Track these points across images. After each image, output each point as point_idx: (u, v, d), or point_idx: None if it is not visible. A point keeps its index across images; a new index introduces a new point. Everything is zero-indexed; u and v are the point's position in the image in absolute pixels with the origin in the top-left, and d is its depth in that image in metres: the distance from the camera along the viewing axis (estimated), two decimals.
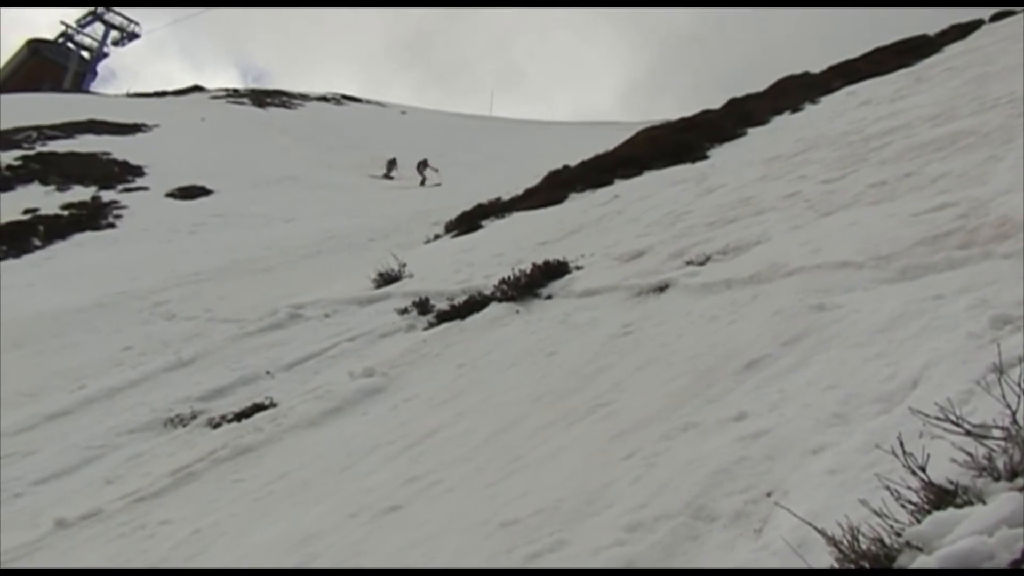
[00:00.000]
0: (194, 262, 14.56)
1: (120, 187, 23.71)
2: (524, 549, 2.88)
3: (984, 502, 1.84)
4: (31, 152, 27.03)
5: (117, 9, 53.02)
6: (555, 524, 2.98)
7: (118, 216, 20.69)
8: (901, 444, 2.04)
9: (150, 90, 49.04)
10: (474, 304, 7.41)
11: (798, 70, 18.69)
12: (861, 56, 17.28)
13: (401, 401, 5.81)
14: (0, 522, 5.38)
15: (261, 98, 43.58)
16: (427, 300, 8.03)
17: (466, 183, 24.01)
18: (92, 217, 20.43)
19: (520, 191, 14.55)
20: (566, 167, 15.33)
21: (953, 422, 2.03)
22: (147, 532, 4.80)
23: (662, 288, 5.95)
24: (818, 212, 6.27)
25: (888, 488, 2.02)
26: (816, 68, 18.15)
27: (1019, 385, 2.00)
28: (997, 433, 1.99)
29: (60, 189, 23.32)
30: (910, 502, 1.97)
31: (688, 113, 16.81)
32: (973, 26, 16.20)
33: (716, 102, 17.26)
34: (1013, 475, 1.90)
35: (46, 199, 22.25)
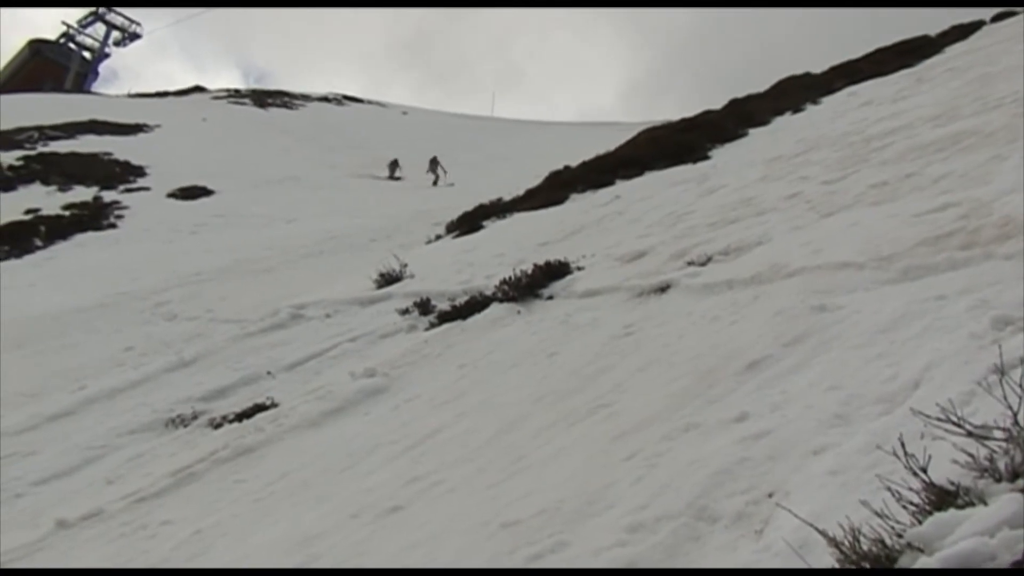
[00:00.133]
0: (195, 262, 14.57)
1: (121, 187, 23.74)
2: (525, 550, 2.88)
3: (985, 503, 1.83)
4: (33, 152, 27.08)
5: (118, 9, 53.13)
6: (556, 525, 2.98)
7: (119, 216, 20.71)
8: (902, 445, 2.04)
9: (151, 90, 49.14)
10: (475, 304, 7.41)
11: (799, 70, 18.69)
12: (862, 56, 17.26)
13: (402, 401, 5.81)
14: (1, 522, 5.39)
15: (262, 98, 43.64)
16: (428, 300, 8.03)
17: (467, 183, 24.02)
18: (93, 217, 20.46)
19: (521, 191, 14.55)
20: (567, 167, 15.33)
21: (954, 423, 2.03)
22: (148, 532, 4.81)
23: (663, 289, 5.95)
24: (819, 213, 6.27)
25: (889, 489, 2.02)
26: (817, 68, 18.16)
27: (1020, 386, 1.99)
28: (998, 434, 1.99)
29: (61, 189, 23.35)
30: (911, 503, 1.97)
31: (689, 113, 16.82)
32: (974, 27, 16.19)
33: (717, 102, 17.28)
34: (1014, 476, 1.90)
35: (47, 199, 22.29)
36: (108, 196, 22.60)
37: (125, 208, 21.36)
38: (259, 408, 6.59)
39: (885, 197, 5.93)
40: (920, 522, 1.87)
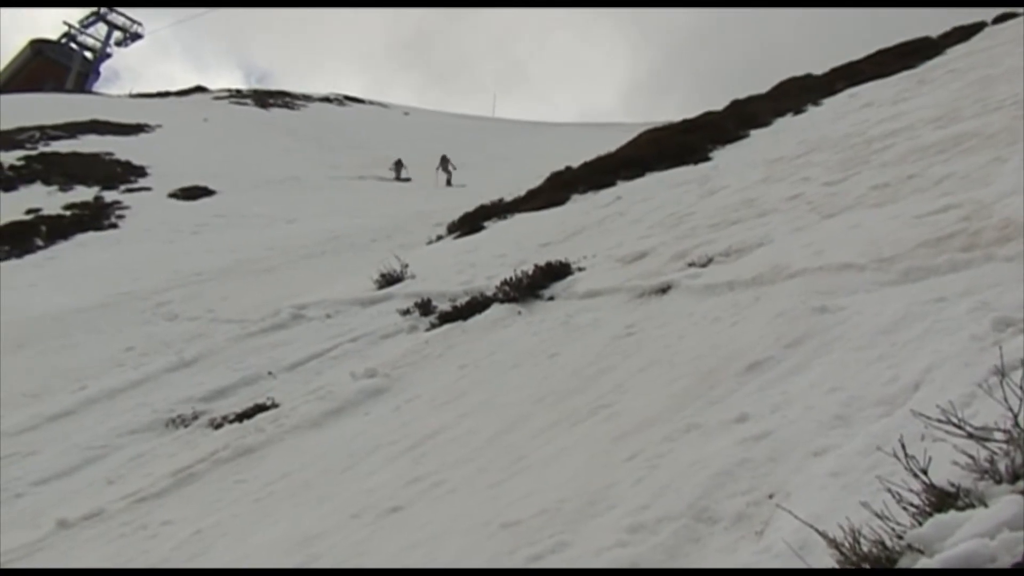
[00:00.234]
0: (196, 262, 14.59)
1: (123, 187, 23.77)
2: (526, 550, 2.89)
3: (986, 505, 1.84)
4: (34, 152, 27.11)
5: (120, 9, 53.18)
6: (557, 525, 2.98)
7: (120, 216, 20.73)
8: (903, 447, 2.04)
9: (153, 90, 49.19)
10: (476, 305, 7.41)
11: (800, 71, 18.70)
12: (863, 58, 17.26)
13: (403, 402, 5.81)
14: (1, 522, 5.39)
15: (264, 99, 43.68)
16: (429, 301, 8.04)
17: (469, 184, 24.03)
18: (94, 217, 20.48)
19: (522, 192, 14.56)
20: (568, 168, 15.35)
21: (955, 424, 2.03)
22: (148, 532, 4.81)
23: (664, 289, 5.95)
24: (820, 214, 6.27)
25: (890, 490, 2.02)
26: (818, 70, 18.17)
27: (1021, 388, 1.99)
28: (999, 436, 1.99)
29: (63, 189, 23.38)
30: (912, 504, 1.97)
31: (690, 114, 16.83)
32: (976, 28, 16.19)
33: (718, 103, 17.31)
34: (1015, 478, 1.90)
35: (48, 199, 22.31)
36: (109, 196, 22.62)
37: (126, 208, 21.38)
38: (260, 408, 6.59)
39: (886, 199, 5.93)
40: (920, 524, 1.87)
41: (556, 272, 7.36)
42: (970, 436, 2.02)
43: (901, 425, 2.54)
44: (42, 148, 27.82)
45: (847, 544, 1.92)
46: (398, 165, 27.24)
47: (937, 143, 6.91)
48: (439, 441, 4.67)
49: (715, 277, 5.67)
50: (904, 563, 1.81)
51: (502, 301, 7.23)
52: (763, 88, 18.04)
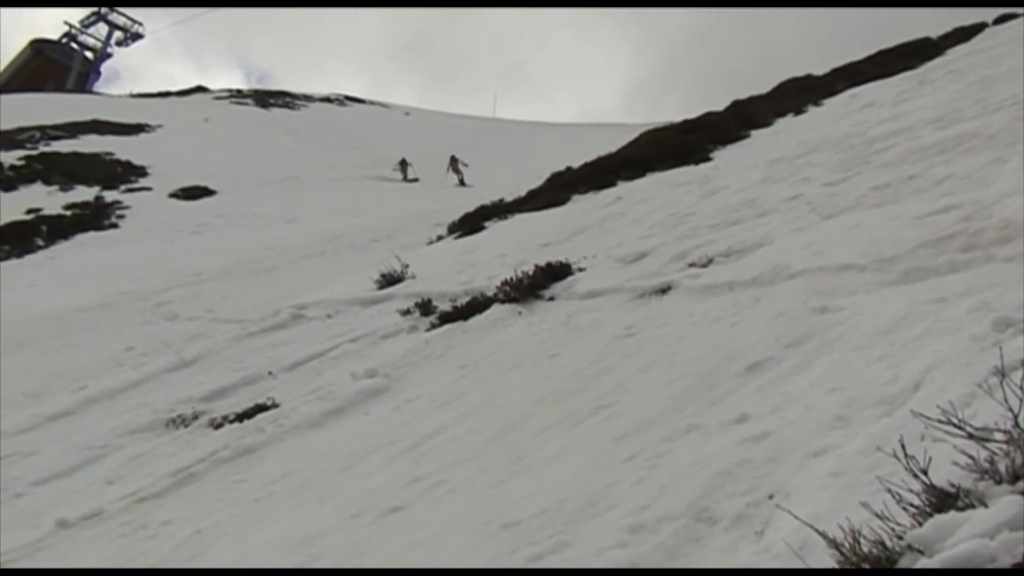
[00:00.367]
0: (196, 262, 14.59)
1: (123, 187, 23.77)
2: (526, 550, 2.89)
3: (986, 505, 1.84)
4: (34, 152, 27.11)
5: (121, 9, 53.17)
6: (557, 525, 2.98)
7: (121, 216, 20.73)
8: (903, 447, 2.04)
9: (153, 90, 49.15)
10: (476, 305, 7.41)
11: (801, 72, 18.71)
12: (864, 58, 17.27)
13: (403, 402, 5.81)
14: (1, 522, 5.39)
15: (264, 99, 43.68)
16: (429, 301, 8.04)
17: (470, 184, 24.03)
18: (95, 217, 20.48)
19: (523, 192, 14.56)
20: (569, 168, 15.35)
21: (955, 425, 2.03)
22: (148, 532, 4.81)
23: (665, 290, 5.95)
24: (821, 215, 6.27)
25: (890, 491, 2.02)
26: (819, 70, 18.17)
27: (1021, 388, 1.99)
28: (999, 436, 1.99)
29: (63, 189, 23.38)
30: (912, 505, 1.97)
31: (691, 115, 16.83)
32: (976, 29, 16.19)
33: (719, 103, 17.32)
34: (1015, 478, 1.90)
35: (49, 199, 22.31)
36: (109, 196, 22.62)
37: (126, 208, 21.38)
38: (260, 408, 6.59)
39: (886, 199, 5.93)
40: (920, 524, 1.87)
41: (556, 272, 7.36)
42: (970, 436, 2.02)
43: (901, 425, 2.54)
44: (42, 148, 27.82)
45: (847, 544, 1.92)
46: (404, 165, 26.71)
47: (937, 144, 6.91)
48: (439, 441, 4.67)
49: (715, 277, 5.67)
50: (904, 563, 1.81)
51: (502, 301, 7.23)
52: (764, 88, 18.05)
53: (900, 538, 1.87)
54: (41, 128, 30.04)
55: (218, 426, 6.54)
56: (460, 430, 4.72)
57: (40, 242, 18.64)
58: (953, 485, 1.94)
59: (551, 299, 7.02)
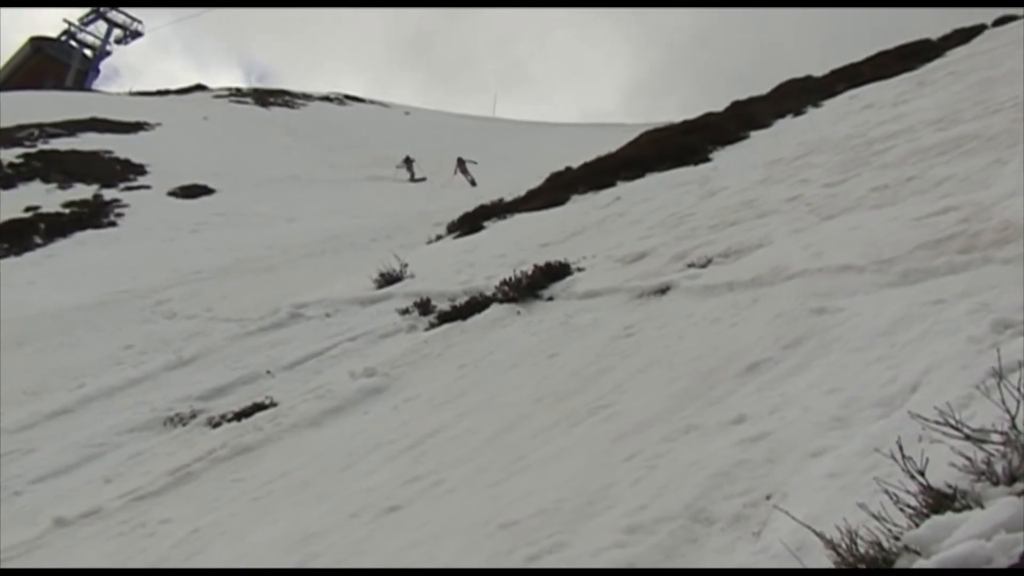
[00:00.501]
0: (195, 261, 14.58)
1: (122, 185, 23.75)
2: (524, 550, 2.89)
3: (982, 506, 1.84)
4: (33, 150, 27.08)
5: (121, 8, 53.09)
6: (555, 525, 2.98)
7: (120, 215, 20.72)
8: (900, 448, 2.04)
9: (153, 88, 49.12)
10: (475, 305, 7.41)
11: (801, 73, 18.70)
12: (864, 60, 17.27)
13: (402, 401, 5.81)
14: None
15: (264, 97, 43.64)
16: (428, 300, 8.04)
17: (466, 183, 24.02)
18: (93, 215, 20.47)
19: (522, 192, 14.56)
20: (568, 168, 15.34)
21: (952, 426, 2.03)
22: (147, 531, 4.81)
23: (664, 290, 5.96)
24: (820, 216, 6.27)
25: (887, 492, 2.03)
26: (819, 71, 18.17)
27: (1019, 390, 2.00)
28: (996, 438, 2.00)
29: (62, 187, 23.36)
30: (909, 506, 1.98)
31: (691, 115, 16.84)
32: (976, 30, 16.20)
33: (719, 104, 17.32)
34: (1012, 480, 1.90)
35: (48, 197, 22.29)
36: (108, 194, 22.61)
37: (125, 206, 21.37)
38: (258, 407, 6.59)
39: (886, 200, 5.94)
40: (917, 525, 1.88)
41: (555, 272, 7.37)
42: (967, 438, 2.02)
43: (899, 426, 2.54)
44: (41, 146, 27.79)
45: (844, 545, 1.93)
46: (409, 163, 26.17)
47: (937, 145, 6.92)
48: (438, 440, 4.67)
49: (714, 278, 5.68)
50: (901, 564, 1.81)
51: (501, 301, 7.23)
52: (764, 89, 18.05)
53: (897, 539, 1.88)
54: (40, 126, 30.02)
55: (216, 425, 6.54)
56: (459, 429, 4.72)
57: (39, 240, 18.63)
58: (950, 486, 1.95)
59: (550, 299, 7.03)
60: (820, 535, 2.00)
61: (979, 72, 10.18)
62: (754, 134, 13.16)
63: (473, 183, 24.10)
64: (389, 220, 17.14)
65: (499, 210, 13.30)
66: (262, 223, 18.80)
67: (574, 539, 2.84)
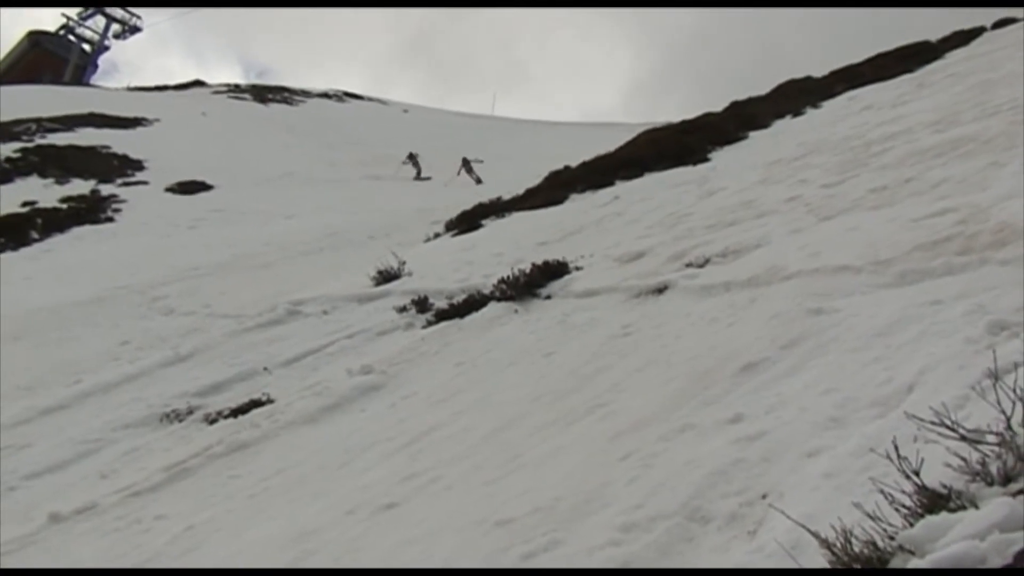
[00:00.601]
0: (193, 257, 14.56)
1: (119, 181, 23.68)
2: (520, 548, 2.89)
3: (977, 507, 1.84)
4: (30, 144, 27.00)
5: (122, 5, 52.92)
6: (551, 523, 2.98)
7: (117, 210, 20.67)
8: (896, 448, 2.05)
9: (151, 84, 49.01)
10: (473, 303, 7.41)
11: (800, 74, 18.72)
12: (863, 61, 17.29)
13: (399, 399, 5.81)
14: None
15: (262, 94, 43.56)
16: (426, 298, 8.04)
17: (467, 181, 24.00)
18: (91, 211, 20.41)
19: (521, 191, 14.56)
20: (567, 167, 15.35)
21: (948, 427, 2.04)
22: (142, 527, 4.80)
23: (661, 290, 5.96)
24: (818, 216, 6.28)
25: (882, 492, 2.03)
26: (820, 72, 18.19)
27: (1014, 391, 2.00)
28: (991, 438, 2.00)
29: (59, 182, 23.29)
30: (904, 506, 1.98)
31: (691, 115, 16.84)
32: (975, 33, 16.23)
33: (720, 104, 17.31)
34: (1006, 480, 1.91)
35: (45, 192, 22.23)
36: (106, 189, 22.55)
37: (123, 202, 21.32)
38: (255, 404, 6.59)
39: (884, 201, 5.95)
40: (912, 525, 1.88)
41: (553, 271, 7.37)
42: (963, 438, 2.03)
43: (895, 427, 2.54)
44: (39, 140, 27.70)
45: (839, 544, 1.93)
46: (414, 160, 25.59)
47: (935, 147, 6.93)
48: (435, 438, 4.67)
49: (712, 278, 5.68)
50: (895, 563, 1.81)
51: (499, 299, 7.23)
52: (764, 90, 18.06)
53: (892, 538, 1.88)
54: (37, 120, 29.93)
55: (213, 421, 6.53)
56: (456, 427, 4.73)
57: (36, 235, 18.57)
58: (945, 486, 1.95)
59: (548, 298, 7.03)
60: (815, 534, 2.00)
61: (978, 74, 10.19)
62: (753, 134, 13.16)
63: (479, 181, 24.00)
64: (387, 217, 17.13)
65: (497, 208, 13.30)
66: (260, 220, 18.77)
67: (570, 537, 2.85)
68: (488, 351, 6.19)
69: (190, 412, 6.90)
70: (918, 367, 3.07)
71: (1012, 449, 1.94)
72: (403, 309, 8.06)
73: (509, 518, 3.14)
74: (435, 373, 6.13)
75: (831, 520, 2.04)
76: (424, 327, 7.43)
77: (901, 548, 1.81)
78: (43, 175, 23.89)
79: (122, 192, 22.37)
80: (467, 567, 2.96)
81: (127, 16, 53.75)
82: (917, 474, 1.98)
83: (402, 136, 32.62)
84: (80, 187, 22.71)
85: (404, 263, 9.65)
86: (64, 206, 20.81)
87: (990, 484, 1.93)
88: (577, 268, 7.43)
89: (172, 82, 49.29)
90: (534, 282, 7.23)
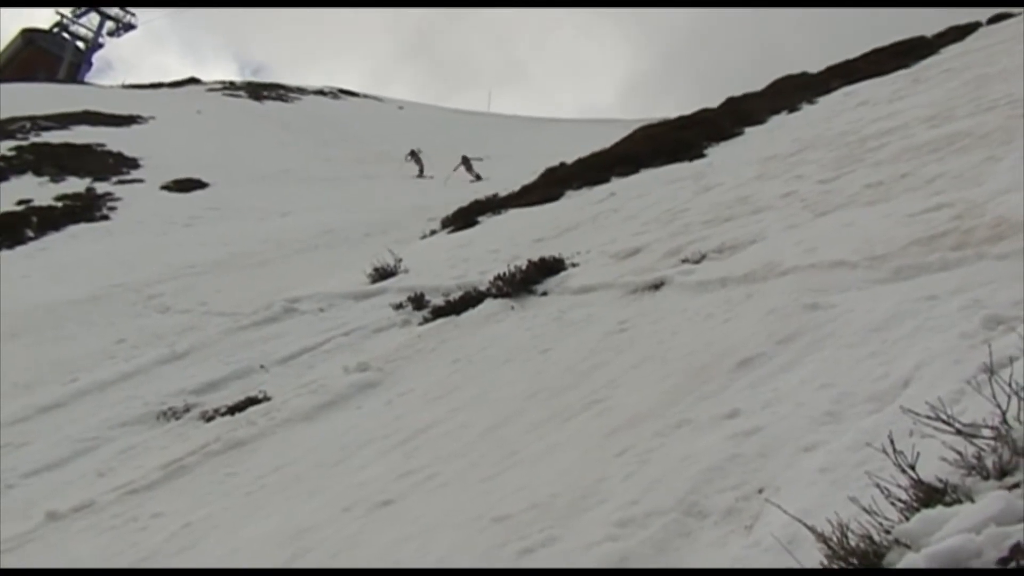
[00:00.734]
0: (189, 255, 14.53)
1: (115, 179, 23.62)
2: (516, 544, 2.89)
3: (973, 501, 1.85)
4: (25, 142, 26.91)
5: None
6: (548, 519, 2.98)
7: (112, 208, 20.62)
8: (892, 443, 2.05)
9: (146, 81, 48.87)
10: (469, 300, 7.41)
11: (797, 70, 18.72)
12: (859, 57, 17.31)
13: (395, 396, 5.81)
14: None
15: (258, 91, 43.45)
16: (422, 295, 8.03)
17: (464, 178, 23.97)
18: (86, 209, 20.36)
19: (517, 188, 14.55)
20: (563, 164, 15.34)
21: (944, 421, 2.04)
22: (139, 525, 4.80)
23: (657, 286, 5.96)
24: (814, 212, 6.28)
25: (878, 486, 2.03)
26: (814, 68, 18.19)
27: (1010, 385, 2.01)
28: (987, 432, 2.00)
29: (54, 180, 23.22)
30: (900, 500, 1.98)
31: (687, 112, 16.83)
32: (971, 28, 16.25)
33: (716, 101, 17.29)
34: (1002, 474, 1.91)
35: (40, 190, 22.16)
36: (101, 187, 22.49)
37: (118, 200, 21.26)
38: (251, 401, 6.58)
39: (879, 197, 5.95)
40: (908, 519, 1.88)
41: (549, 267, 7.37)
42: (958, 433, 2.03)
43: (891, 421, 2.55)
44: (33, 138, 27.61)
45: (835, 539, 1.93)
46: (416, 156, 25.16)
47: (931, 142, 6.94)
48: (431, 435, 4.67)
49: (708, 274, 5.69)
50: (891, 558, 1.82)
51: (495, 296, 7.23)
52: (761, 86, 18.06)
53: (888, 532, 1.88)
54: (32, 118, 29.83)
55: (209, 419, 6.53)
56: (452, 424, 4.72)
57: (31, 233, 18.53)
58: (941, 480, 1.96)
59: (544, 294, 7.03)
60: (811, 529, 2.00)
61: (973, 69, 10.21)
62: (749, 130, 13.17)
63: (479, 178, 23.91)
64: (383, 215, 17.10)
65: (493, 205, 13.29)
66: (256, 217, 18.73)
67: (566, 533, 2.85)
68: (484, 348, 6.19)
69: (187, 410, 6.89)
70: (914, 362, 3.08)
71: (1008, 443, 1.94)
72: (399, 306, 8.05)
73: (505, 514, 3.14)
74: (431, 370, 6.13)
75: (827, 514, 2.04)
76: (420, 324, 7.43)
77: (897, 542, 1.81)
78: (38, 173, 23.81)
79: (117, 190, 22.30)
80: (463, 565, 2.96)
81: (122, 13, 53.56)
82: (913, 468, 1.99)
83: (398, 133, 32.56)
84: (75, 185, 22.64)
85: (400, 260, 9.64)
86: (59, 204, 20.75)
87: (986, 478, 1.93)
88: (573, 264, 7.43)
89: (167, 79, 49.20)
90: (530, 279, 7.23)
